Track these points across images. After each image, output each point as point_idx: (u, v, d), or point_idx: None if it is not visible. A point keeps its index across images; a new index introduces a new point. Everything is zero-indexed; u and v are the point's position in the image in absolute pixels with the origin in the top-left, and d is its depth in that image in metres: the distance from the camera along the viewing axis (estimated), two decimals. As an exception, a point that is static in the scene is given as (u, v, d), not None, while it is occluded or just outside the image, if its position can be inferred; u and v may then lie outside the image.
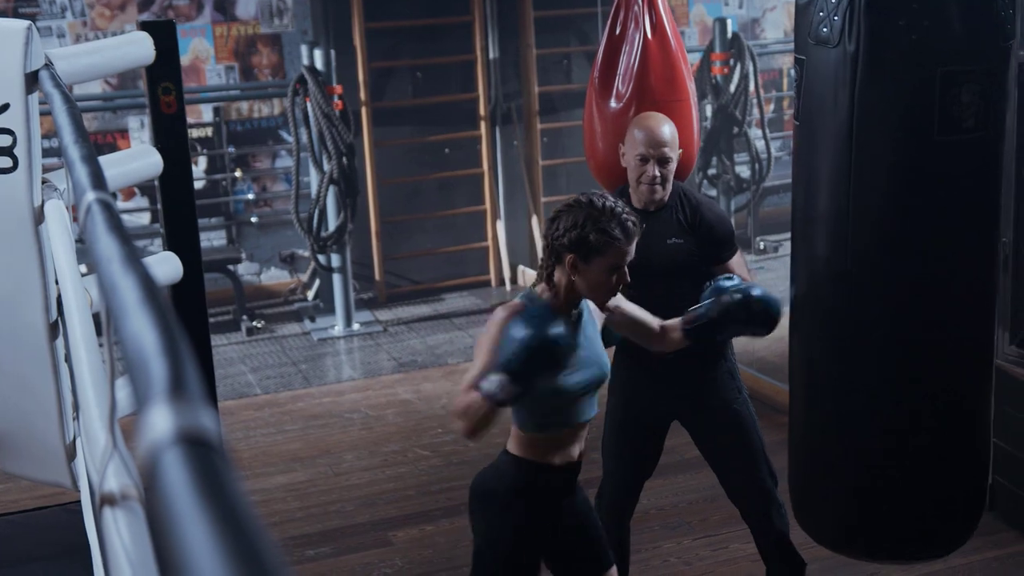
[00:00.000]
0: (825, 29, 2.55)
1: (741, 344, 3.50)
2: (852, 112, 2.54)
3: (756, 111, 7.52)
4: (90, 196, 1.04)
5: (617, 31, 3.39)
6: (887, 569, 3.54)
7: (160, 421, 0.50)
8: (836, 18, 2.51)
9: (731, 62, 7.39)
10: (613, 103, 3.33)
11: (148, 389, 0.54)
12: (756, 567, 3.46)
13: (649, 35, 3.31)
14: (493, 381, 2.33)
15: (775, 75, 8.35)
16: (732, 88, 7.35)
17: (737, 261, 3.21)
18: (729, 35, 7.42)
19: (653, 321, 2.82)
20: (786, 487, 2.98)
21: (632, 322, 2.80)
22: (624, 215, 2.54)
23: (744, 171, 7.68)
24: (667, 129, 3.10)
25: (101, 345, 1.50)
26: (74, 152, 1.31)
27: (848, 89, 2.54)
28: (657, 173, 3.06)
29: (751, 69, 7.31)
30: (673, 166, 3.11)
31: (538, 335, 2.33)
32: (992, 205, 2.71)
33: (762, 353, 4.63)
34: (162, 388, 0.53)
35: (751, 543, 3.40)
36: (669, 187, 3.12)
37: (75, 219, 2.33)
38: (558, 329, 2.38)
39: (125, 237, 0.92)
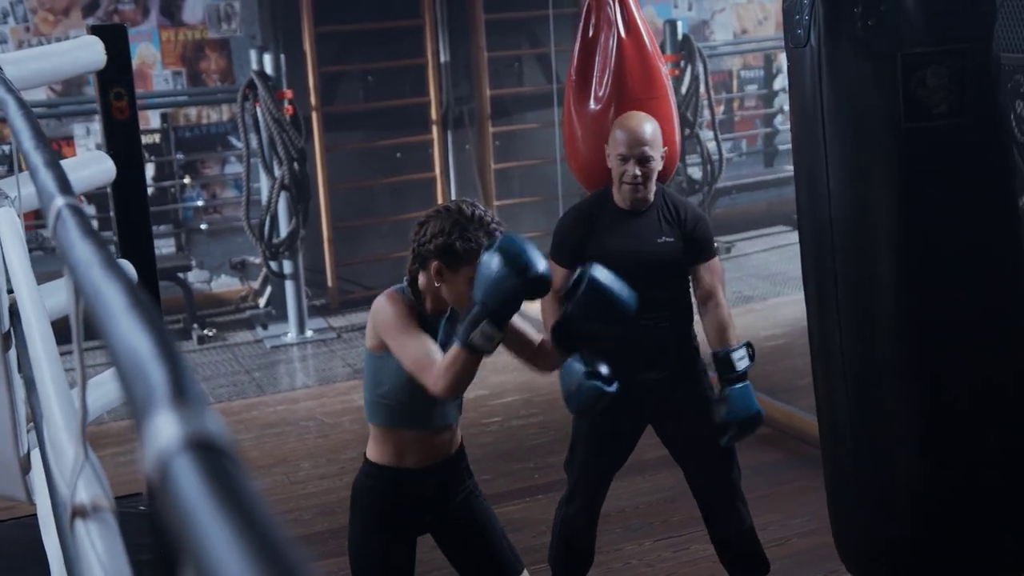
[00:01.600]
0: (799, 31, 2.55)
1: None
2: (820, 107, 2.52)
3: (707, 113, 7.57)
4: (59, 201, 1.01)
5: (590, 33, 3.40)
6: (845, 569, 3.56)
7: (166, 428, 0.48)
8: (806, 18, 2.50)
9: (681, 64, 7.44)
10: (592, 105, 3.34)
11: (149, 396, 0.52)
12: (718, 568, 3.47)
13: (623, 35, 3.32)
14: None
15: (725, 77, 8.40)
16: (683, 90, 7.40)
17: (715, 265, 3.21)
18: (679, 37, 7.47)
19: (535, 335, 2.65)
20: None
21: (514, 334, 2.60)
22: (492, 224, 2.43)
23: (696, 172, 7.72)
24: (648, 128, 3.10)
25: (65, 354, 1.47)
26: (36, 158, 1.28)
27: (816, 85, 2.52)
28: (638, 172, 3.05)
29: (701, 71, 7.36)
30: (655, 164, 3.10)
31: None
32: (993, 198, 2.53)
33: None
34: (164, 394, 0.52)
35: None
36: (652, 186, 3.12)
37: (29, 228, 2.28)
38: None
39: (100, 241, 0.90)
